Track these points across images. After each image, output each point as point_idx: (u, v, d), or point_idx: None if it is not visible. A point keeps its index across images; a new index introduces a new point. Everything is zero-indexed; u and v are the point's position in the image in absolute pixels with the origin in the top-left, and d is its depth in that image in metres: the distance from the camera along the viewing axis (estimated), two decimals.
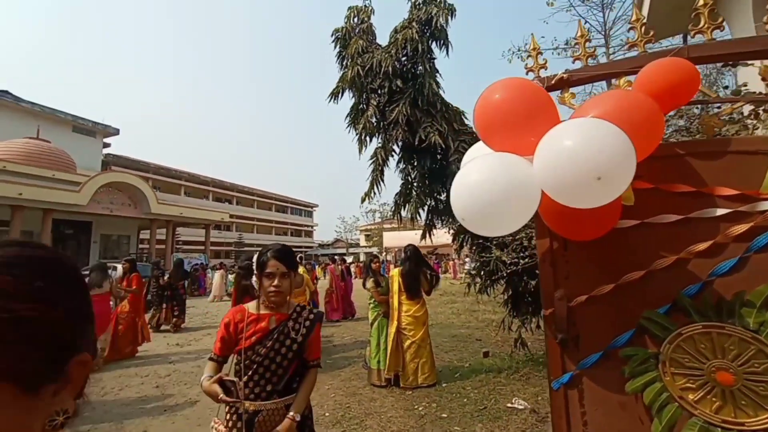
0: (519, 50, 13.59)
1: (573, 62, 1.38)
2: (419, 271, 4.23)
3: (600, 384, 1.19)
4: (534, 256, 3.52)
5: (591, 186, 0.84)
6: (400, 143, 4.10)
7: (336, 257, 12.43)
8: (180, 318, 8.61)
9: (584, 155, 0.83)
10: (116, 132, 26.42)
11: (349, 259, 29.81)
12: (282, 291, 1.57)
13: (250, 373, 1.52)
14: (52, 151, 18.38)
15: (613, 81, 1.58)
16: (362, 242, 56.76)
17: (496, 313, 9.93)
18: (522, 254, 3.57)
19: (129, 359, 5.85)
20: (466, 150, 4.28)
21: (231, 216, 29.49)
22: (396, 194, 4.54)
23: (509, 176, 1.01)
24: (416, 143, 3.99)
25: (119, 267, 11.83)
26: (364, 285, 4.50)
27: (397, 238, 32.03)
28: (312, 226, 61.10)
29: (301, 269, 5.59)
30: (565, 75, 1.34)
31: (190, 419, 3.63)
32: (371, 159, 4.38)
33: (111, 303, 6.19)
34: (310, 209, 60.59)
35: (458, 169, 3.98)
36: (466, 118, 4.49)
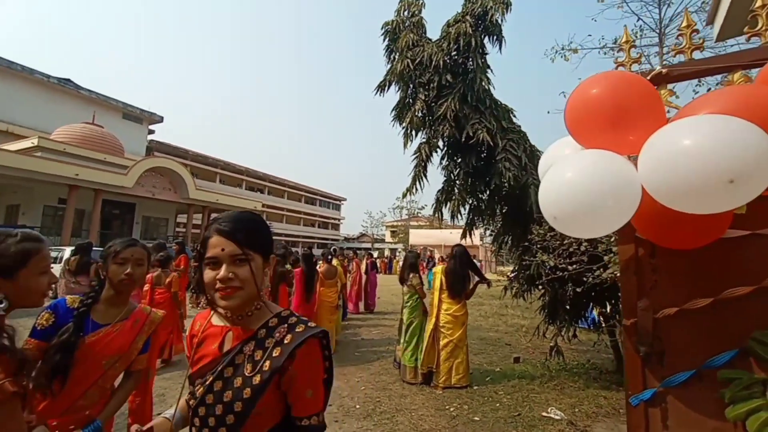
0: (563, 49, 12.96)
1: (674, 56, 1.27)
2: (465, 271, 4.15)
3: (690, 405, 1.09)
4: (582, 262, 3.36)
5: (719, 190, 0.75)
6: (445, 139, 4.02)
7: (360, 251, 12.53)
8: None
9: (715, 155, 0.75)
10: (160, 119, 27.76)
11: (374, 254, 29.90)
12: (236, 287, 0.89)
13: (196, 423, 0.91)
14: (105, 136, 19.56)
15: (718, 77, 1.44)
16: (387, 238, 56.87)
17: (525, 319, 9.68)
18: (570, 260, 3.41)
19: None
20: (513, 149, 4.16)
21: (263, 205, 30.36)
22: (438, 191, 4.47)
23: (611, 176, 0.94)
24: (463, 140, 3.90)
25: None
26: (402, 281, 4.44)
27: (423, 236, 31.95)
28: (339, 219, 61.87)
29: (335, 261, 5.65)
30: (663, 70, 1.23)
31: None
32: (414, 154, 4.33)
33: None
34: (338, 202, 61.34)
35: (505, 168, 3.87)
36: (514, 116, 4.35)
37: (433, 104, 4.07)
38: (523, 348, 6.44)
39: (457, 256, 4.17)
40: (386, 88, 4.39)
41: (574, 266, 3.22)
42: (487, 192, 4.56)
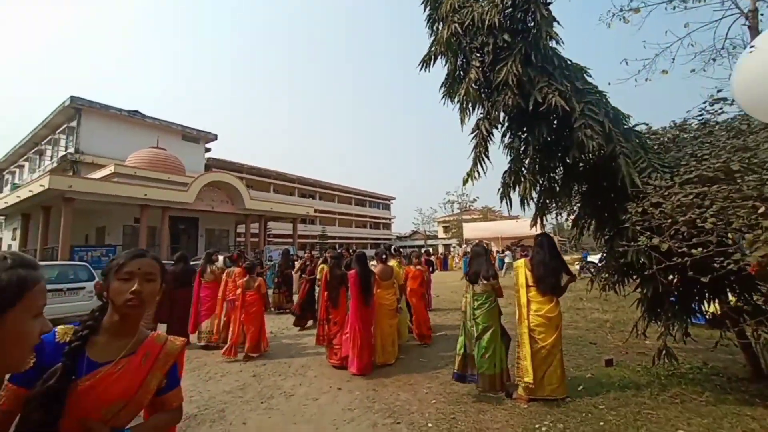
0: (621, 10, 11.00)
1: None
2: (558, 263, 3.53)
3: None
4: (709, 244, 2.58)
5: None
6: (508, 110, 3.41)
7: (414, 249, 12.13)
8: (291, 302, 9.07)
9: None
10: (215, 137, 29.55)
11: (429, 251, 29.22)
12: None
13: None
14: (168, 158, 21.18)
15: None
16: (440, 234, 55.81)
17: (606, 312, 8.54)
18: (689, 242, 2.65)
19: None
20: (594, 113, 3.43)
21: (315, 210, 31.10)
22: (504, 173, 3.86)
23: None
24: (530, 108, 3.27)
25: (221, 258, 13.16)
26: (474, 280, 3.86)
27: (478, 230, 30.55)
28: (390, 219, 61.95)
29: (393, 261, 5.25)
30: None
31: (286, 415, 3.49)
32: (472, 133, 3.77)
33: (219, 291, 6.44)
34: (387, 202, 61.45)
35: (586, 136, 3.16)
36: (588, 75, 3.61)
37: (490, 72, 3.48)
38: (612, 347, 5.56)
39: (546, 246, 3.55)
40: (432, 62, 3.87)
41: (700, 249, 2.47)
42: (562, 169, 3.86)
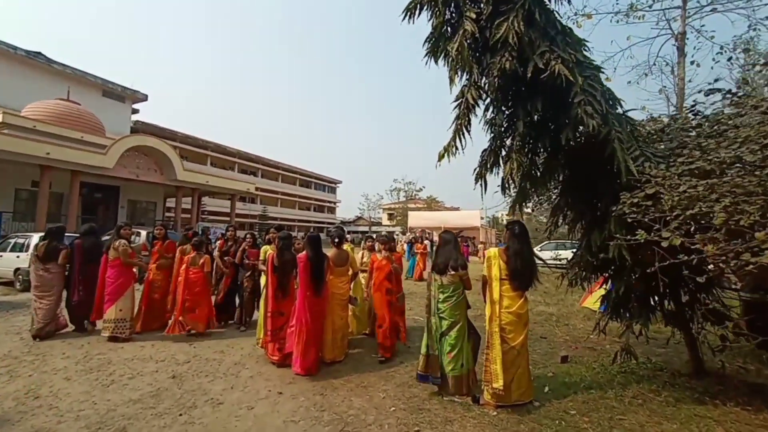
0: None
1: None
2: (531, 254, 3.17)
3: None
4: (716, 240, 2.35)
5: None
6: (503, 75, 2.92)
7: (357, 234, 11.55)
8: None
9: None
10: (144, 98, 26.02)
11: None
12: None
13: None
14: (81, 114, 18.03)
15: None
16: (384, 221, 55.97)
17: (549, 305, 8.79)
18: (697, 236, 2.40)
19: (148, 337, 5.13)
20: (594, 88, 3.08)
21: (256, 189, 29.03)
22: (483, 152, 3.41)
23: None
24: (528, 75, 2.82)
25: (143, 233, 11.40)
26: (442, 270, 3.41)
27: (423, 218, 30.95)
28: (335, 203, 60.68)
29: (346, 245, 4.62)
30: None
31: (211, 431, 2.78)
32: (456, 101, 3.25)
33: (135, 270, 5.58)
34: (333, 185, 60.02)
35: (586, 114, 2.71)
36: (587, 49, 3.26)
37: (486, 27, 2.96)
38: (561, 342, 5.56)
39: (521, 235, 3.16)
40: (416, 11, 3.25)
41: (711, 246, 2.21)
42: (546, 152, 3.50)
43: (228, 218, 23.42)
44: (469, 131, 3.33)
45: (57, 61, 21.98)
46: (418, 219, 30.86)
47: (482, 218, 33.44)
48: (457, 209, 44.51)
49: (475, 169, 3.44)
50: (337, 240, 4.38)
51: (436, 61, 3.25)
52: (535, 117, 3.11)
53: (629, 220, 2.81)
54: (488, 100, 3.45)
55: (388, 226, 52.17)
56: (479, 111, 3.43)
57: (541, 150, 3.43)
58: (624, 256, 3.03)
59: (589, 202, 3.49)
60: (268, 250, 4.76)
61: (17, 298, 7.82)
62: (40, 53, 21.61)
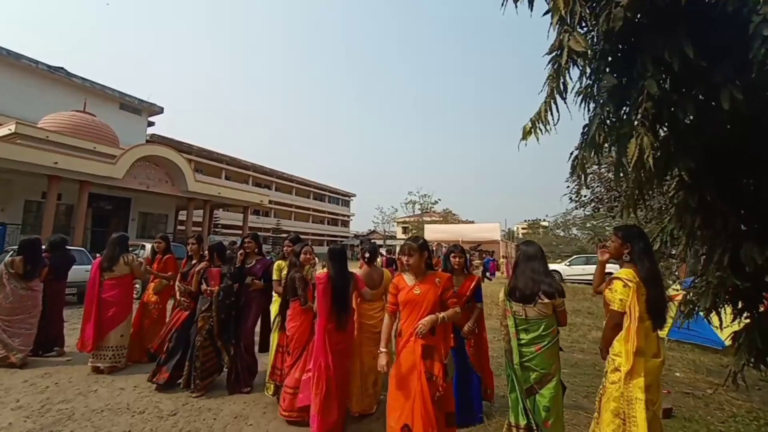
0: None
1: None
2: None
3: None
4: None
5: None
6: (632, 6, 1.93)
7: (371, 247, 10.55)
8: None
9: None
10: (161, 110, 25.98)
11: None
12: None
13: None
14: (96, 124, 17.79)
15: None
16: (399, 234, 54.79)
17: (599, 329, 7.56)
18: None
19: (132, 372, 4.20)
20: None
21: (270, 201, 28.47)
22: (584, 129, 2.41)
23: None
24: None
25: (147, 246, 10.65)
26: (529, 298, 2.38)
27: (439, 231, 29.67)
28: (349, 216, 59.97)
29: (379, 260, 3.63)
30: None
31: None
32: (550, 62, 2.29)
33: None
34: (347, 198, 59.43)
35: None
36: None
37: None
38: None
39: (650, 250, 2.13)
40: None
41: None
42: (676, 127, 2.45)
43: (241, 231, 22.74)
44: (564, 98, 2.34)
45: (77, 75, 22.12)
46: (434, 232, 29.56)
47: (502, 231, 32.02)
48: (472, 222, 43.16)
49: (571, 154, 2.43)
50: (368, 255, 3.38)
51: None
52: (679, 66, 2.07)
53: None
54: (597, 51, 2.46)
55: (403, 239, 50.99)
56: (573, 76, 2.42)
57: (666, 125, 2.40)
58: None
59: (739, 201, 2.43)
60: (282, 266, 3.80)
61: None
62: (61, 68, 21.77)
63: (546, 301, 2.34)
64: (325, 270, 3.10)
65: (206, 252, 4.11)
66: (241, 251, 3.96)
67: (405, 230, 52.06)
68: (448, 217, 43.86)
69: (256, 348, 4.10)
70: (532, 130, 2.32)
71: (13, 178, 13.71)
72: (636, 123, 2.14)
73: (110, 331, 4.24)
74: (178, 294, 4.14)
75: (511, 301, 2.48)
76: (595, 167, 12.29)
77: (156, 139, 29.22)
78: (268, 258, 4.58)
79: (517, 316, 2.42)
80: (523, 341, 2.37)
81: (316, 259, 3.67)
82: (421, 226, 37.94)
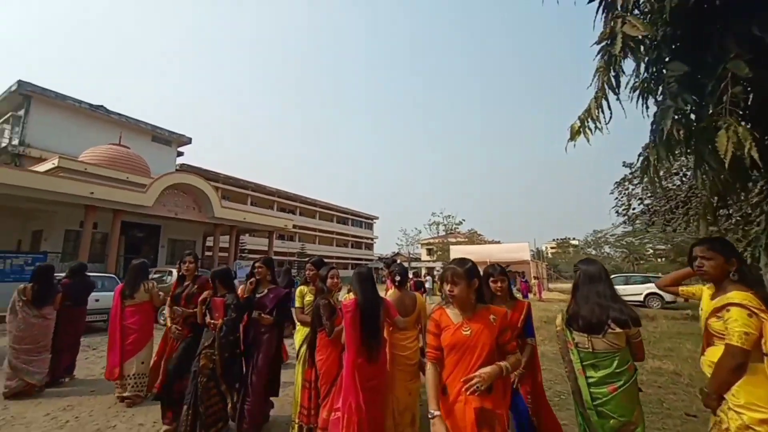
0: None
1: None
2: None
3: None
4: None
5: None
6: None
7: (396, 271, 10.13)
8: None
9: None
10: (189, 141, 27.19)
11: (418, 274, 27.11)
12: None
13: None
14: (129, 156, 18.70)
15: None
16: (423, 256, 53.94)
17: (663, 359, 6.71)
18: None
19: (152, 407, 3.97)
20: None
21: (294, 226, 28.77)
22: (653, 125, 2.07)
23: None
24: None
25: (174, 272, 10.72)
26: (586, 324, 2.00)
27: (465, 253, 28.81)
28: (372, 239, 59.81)
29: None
30: None
31: None
32: (600, 52, 2.00)
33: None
34: (370, 221, 59.49)
35: None
36: None
37: None
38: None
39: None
40: None
41: None
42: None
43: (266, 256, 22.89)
44: (617, 93, 2.04)
45: (114, 112, 23.62)
46: (460, 254, 28.73)
47: (531, 251, 30.78)
48: (498, 242, 41.94)
49: (639, 155, 2.12)
50: (399, 278, 3.07)
51: None
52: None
53: None
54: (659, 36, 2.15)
55: (428, 261, 50.10)
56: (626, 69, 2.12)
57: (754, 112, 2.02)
58: None
59: None
60: (304, 292, 3.55)
61: None
62: (101, 106, 23.33)
63: (617, 330, 1.94)
64: (351, 295, 2.81)
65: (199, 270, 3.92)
66: (252, 279, 3.51)
67: (429, 252, 51.25)
68: (473, 238, 42.89)
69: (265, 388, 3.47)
70: (581, 129, 2.01)
71: (56, 209, 14.41)
72: (721, 113, 1.78)
73: (131, 357, 4.16)
74: (169, 321, 3.73)
75: (572, 330, 2.09)
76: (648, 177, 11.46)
77: (185, 169, 30.48)
78: (286, 284, 4.33)
79: (581, 349, 2.03)
80: (592, 380, 1.96)
81: (341, 283, 3.39)
82: (446, 248, 37.22)
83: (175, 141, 26.35)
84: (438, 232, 45.09)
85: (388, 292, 4.01)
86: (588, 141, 1.96)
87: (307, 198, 45.06)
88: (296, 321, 3.63)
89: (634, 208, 12.31)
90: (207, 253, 23.08)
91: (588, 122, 2.05)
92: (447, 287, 1.88)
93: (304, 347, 3.36)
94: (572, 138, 2.04)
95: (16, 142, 19.35)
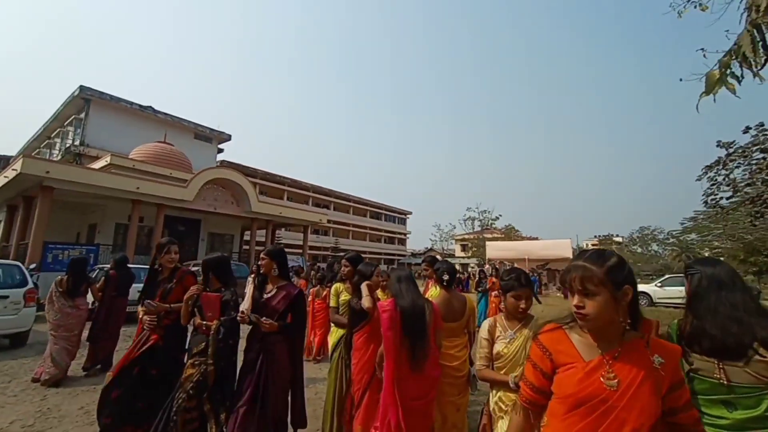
0: None
1: None
2: None
3: None
4: None
5: None
6: None
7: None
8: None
9: None
10: (229, 138, 28.04)
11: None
12: None
13: None
14: (173, 152, 19.49)
15: None
16: (458, 252, 52.68)
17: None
18: None
19: None
20: None
21: (328, 221, 28.93)
22: None
23: None
24: None
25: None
26: (722, 347, 1.43)
27: (502, 249, 27.42)
28: (405, 234, 59.35)
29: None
30: None
31: None
32: None
33: None
34: (403, 216, 59.02)
35: None
36: None
37: None
38: None
39: None
40: None
41: None
42: None
43: (301, 250, 23.18)
44: None
45: (161, 111, 24.80)
46: (496, 250, 27.42)
47: (573, 248, 28.91)
48: (535, 239, 39.89)
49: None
50: (447, 277, 2.62)
51: None
52: None
53: None
54: None
55: (462, 257, 48.86)
56: None
57: None
58: None
59: None
60: (340, 289, 3.21)
61: None
62: (150, 106, 24.60)
63: (762, 357, 1.39)
64: (390, 298, 2.41)
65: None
66: (252, 275, 2.78)
67: (464, 248, 49.93)
68: (510, 234, 41.13)
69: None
70: (722, 78, 1.45)
71: (108, 203, 15.24)
72: None
73: None
74: (141, 313, 2.95)
75: (689, 353, 1.55)
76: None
77: (225, 165, 31.55)
78: (330, 279, 3.89)
79: (706, 378, 1.49)
80: (723, 422, 1.43)
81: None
82: (481, 244, 35.89)
83: (215, 138, 27.28)
84: (473, 228, 43.68)
85: (427, 293, 3.59)
86: (734, 93, 1.42)
87: (341, 193, 45.35)
88: (330, 322, 3.30)
89: (720, 198, 10.41)
90: (245, 247, 23.71)
91: (731, 68, 1.48)
92: (575, 300, 1.15)
93: (338, 351, 3.02)
94: (709, 91, 1.49)
95: (77, 142, 20.79)
